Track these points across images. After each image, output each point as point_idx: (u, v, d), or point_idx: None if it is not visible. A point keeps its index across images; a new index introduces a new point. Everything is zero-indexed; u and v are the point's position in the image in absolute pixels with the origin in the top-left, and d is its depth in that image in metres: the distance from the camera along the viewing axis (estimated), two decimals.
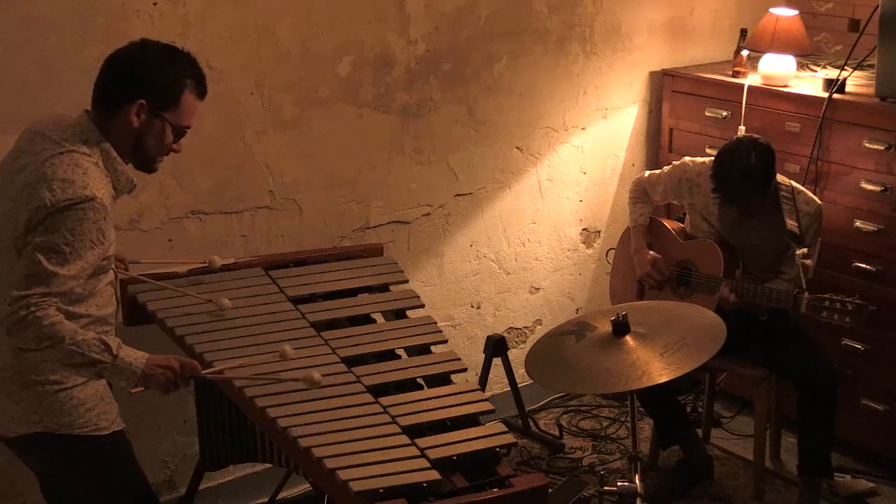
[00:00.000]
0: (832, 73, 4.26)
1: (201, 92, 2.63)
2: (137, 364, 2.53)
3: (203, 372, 2.72)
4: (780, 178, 3.78)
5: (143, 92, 2.54)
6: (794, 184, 3.80)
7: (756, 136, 3.81)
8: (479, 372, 4.25)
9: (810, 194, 3.80)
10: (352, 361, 2.95)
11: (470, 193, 4.25)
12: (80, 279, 2.48)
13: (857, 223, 3.99)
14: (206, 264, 3.28)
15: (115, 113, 2.55)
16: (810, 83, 4.28)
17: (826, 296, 3.53)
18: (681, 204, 4.05)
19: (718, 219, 3.87)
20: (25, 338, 2.41)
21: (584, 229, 4.65)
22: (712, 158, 3.80)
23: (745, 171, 3.61)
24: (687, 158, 4.00)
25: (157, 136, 2.59)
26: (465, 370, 3.03)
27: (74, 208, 2.42)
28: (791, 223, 3.71)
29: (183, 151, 2.71)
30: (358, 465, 2.50)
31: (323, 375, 2.75)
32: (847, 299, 3.50)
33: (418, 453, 2.56)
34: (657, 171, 4.08)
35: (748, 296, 3.68)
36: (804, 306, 3.56)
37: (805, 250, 3.62)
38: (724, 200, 3.72)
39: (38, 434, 2.57)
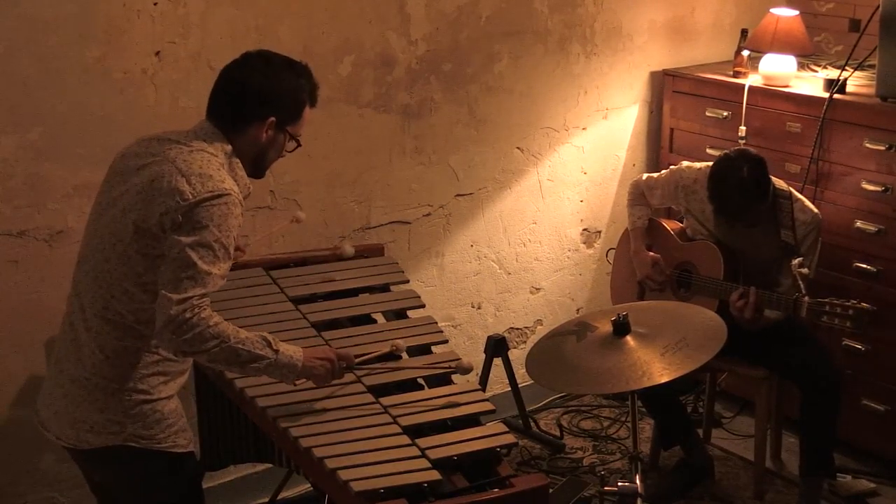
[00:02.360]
0: (833, 74, 4.27)
1: (315, 101, 2.65)
2: (297, 358, 2.54)
3: (357, 360, 2.75)
4: (779, 183, 3.77)
5: (275, 111, 2.55)
6: (794, 192, 3.79)
7: (745, 148, 3.81)
8: (480, 372, 4.25)
9: (809, 203, 3.78)
10: None
11: (471, 193, 4.26)
12: (225, 278, 2.47)
13: (858, 224, 3.98)
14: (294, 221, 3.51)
15: (242, 128, 2.55)
16: (811, 83, 4.28)
17: (826, 300, 3.52)
18: (678, 208, 4.05)
19: (715, 226, 3.87)
20: (192, 341, 2.39)
21: (584, 229, 4.65)
22: (708, 165, 3.79)
23: (740, 186, 3.60)
24: (684, 164, 3.99)
25: (279, 148, 2.62)
26: None
27: (217, 202, 2.41)
28: (786, 233, 3.71)
29: None
30: (359, 465, 2.50)
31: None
32: (848, 304, 3.48)
33: (419, 453, 2.56)
34: (655, 175, 4.07)
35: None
36: (804, 310, 3.56)
37: (800, 260, 3.60)
38: (726, 219, 3.72)
39: (115, 447, 2.54)
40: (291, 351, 2.55)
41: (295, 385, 2.66)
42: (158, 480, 2.61)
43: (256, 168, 2.64)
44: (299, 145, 2.66)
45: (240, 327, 2.50)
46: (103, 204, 2.55)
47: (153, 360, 2.54)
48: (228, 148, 2.55)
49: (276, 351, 2.51)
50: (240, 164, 2.57)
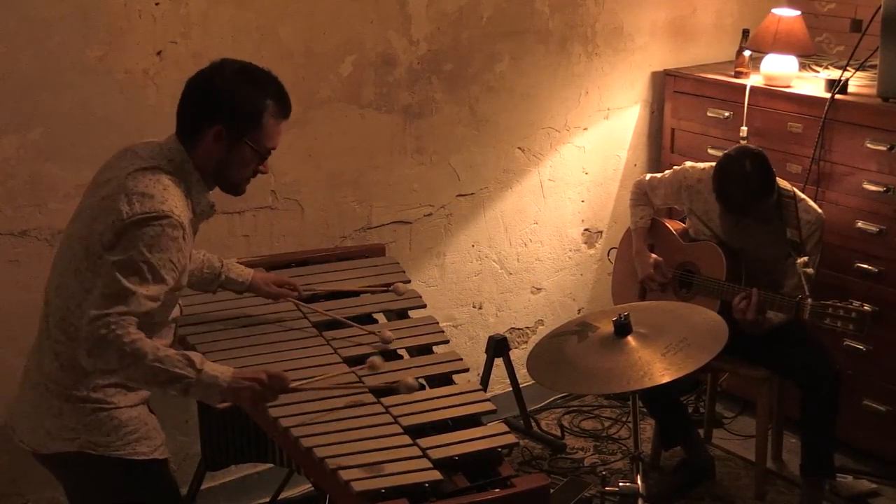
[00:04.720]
0: (834, 74, 4.27)
1: (284, 112, 2.54)
2: (223, 378, 2.41)
3: (293, 384, 2.59)
4: (783, 183, 3.77)
5: (221, 117, 2.46)
6: (798, 192, 3.80)
7: (748, 145, 3.82)
8: (481, 372, 4.25)
9: (812, 203, 3.79)
10: (354, 361, 2.95)
11: (472, 193, 4.26)
12: (159, 300, 2.39)
13: (860, 224, 3.98)
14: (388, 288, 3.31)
15: (196, 137, 2.49)
16: (812, 84, 4.28)
17: (829, 302, 3.51)
18: (681, 209, 4.05)
19: (718, 225, 3.87)
20: (107, 358, 2.33)
21: (585, 229, 4.65)
22: (712, 165, 3.79)
23: (745, 182, 3.61)
24: (688, 164, 4.00)
25: (239, 162, 2.52)
26: (466, 370, 3.02)
27: (152, 223, 2.35)
28: (791, 231, 3.71)
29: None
30: (360, 466, 2.49)
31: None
32: (850, 307, 3.47)
33: (420, 453, 2.56)
34: (658, 175, 4.07)
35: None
36: (807, 313, 3.55)
37: (805, 259, 3.60)
38: (733, 215, 3.71)
39: (71, 453, 2.51)
40: (218, 371, 2.43)
41: (218, 407, 2.52)
42: (117, 487, 2.57)
43: (224, 184, 2.56)
44: (264, 158, 2.54)
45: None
46: (74, 216, 2.54)
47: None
48: (188, 166, 2.49)
49: (199, 371, 2.39)
50: (200, 182, 2.51)
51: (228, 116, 2.47)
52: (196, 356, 2.42)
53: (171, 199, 2.42)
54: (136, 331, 2.34)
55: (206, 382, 2.39)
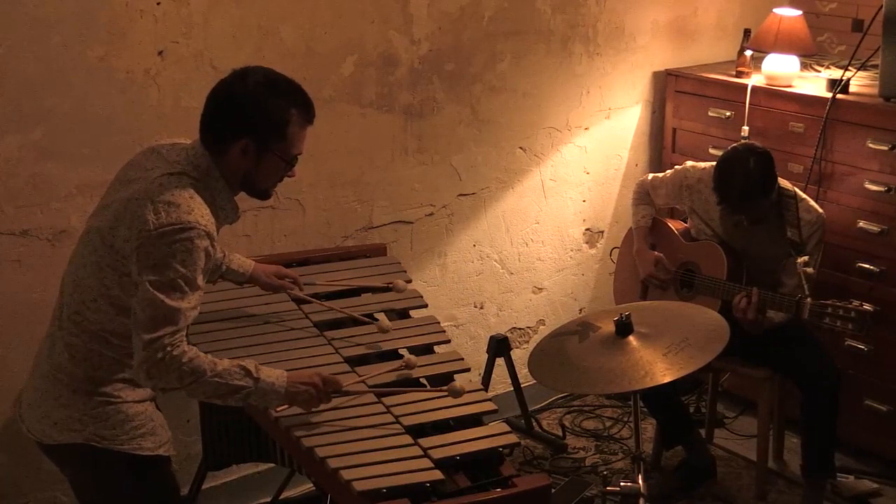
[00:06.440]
0: (836, 74, 4.26)
1: (308, 119, 2.55)
2: (280, 384, 2.48)
3: (345, 386, 2.64)
4: (784, 183, 3.77)
5: (247, 131, 2.47)
6: (799, 191, 3.80)
7: (752, 142, 3.82)
8: (482, 372, 4.25)
9: (813, 203, 3.78)
10: (355, 361, 2.96)
11: (473, 193, 4.26)
12: (198, 308, 2.44)
13: (861, 224, 3.98)
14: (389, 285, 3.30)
15: (223, 149, 2.50)
16: (814, 83, 4.28)
17: (829, 302, 3.51)
18: (682, 208, 4.05)
19: (719, 225, 3.87)
20: (168, 379, 2.38)
21: (587, 229, 4.65)
22: (713, 164, 3.79)
23: (746, 177, 3.60)
24: (689, 163, 3.99)
25: (267, 171, 2.54)
26: (468, 370, 3.02)
27: (179, 236, 2.36)
28: (791, 230, 3.71)
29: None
30: (361, 465, 2.50)
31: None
32: (850, 306, 3.47)
33: (421, 453, 2.56)
34: (660, 175, 4.07)
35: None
36: (806, 312, 3.55)
37: (806, 258, 3.60)
38: (730, 210, 3.71)
39: (77, 445, 2.53)
40: (273, 377, 2.49)
41: (276, 412, 2.61)
42: (121, 482, 2.59)
43: (251, 191, 2.59)
44: (291, 167, 2.57)
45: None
46: (96, 211, 2.55)
47: (118, 369, 2.53)
48: (214, 172, 2.50)
49: (257, 379, 2.46)
50: (226, 189, 2.52)
51: (254, 131, 2.48)
52: (250, 364, 2.48)
53: (197, 208, 2.42)
54: (190, 347, 2.41)
55: (265, 390, 2.48)
